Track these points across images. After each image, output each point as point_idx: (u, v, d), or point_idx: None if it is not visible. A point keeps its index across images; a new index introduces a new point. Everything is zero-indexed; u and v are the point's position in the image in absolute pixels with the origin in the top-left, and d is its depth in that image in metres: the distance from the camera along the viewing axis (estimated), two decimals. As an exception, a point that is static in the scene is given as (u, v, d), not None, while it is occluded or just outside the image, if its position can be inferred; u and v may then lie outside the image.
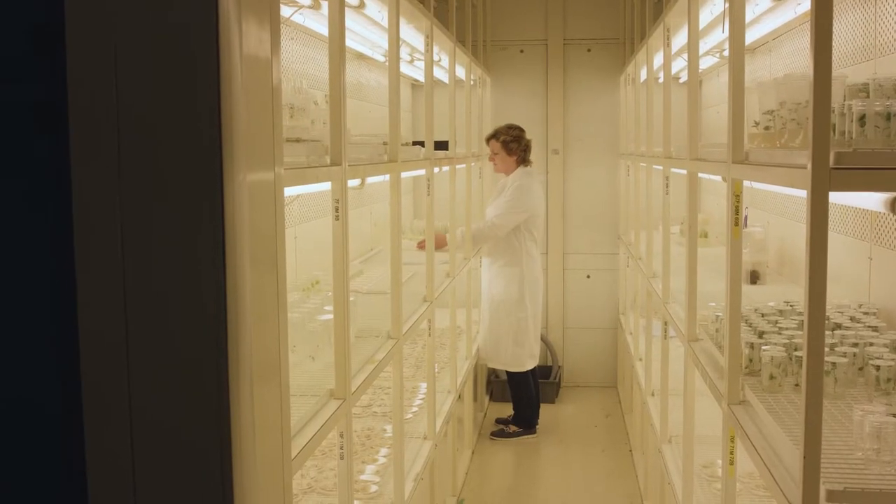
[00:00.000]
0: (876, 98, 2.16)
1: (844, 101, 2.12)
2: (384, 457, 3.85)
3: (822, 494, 1.79)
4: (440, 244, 5.56)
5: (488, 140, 6.27)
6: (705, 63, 6.09)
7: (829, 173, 1.74)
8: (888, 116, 1.93)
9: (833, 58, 3.75)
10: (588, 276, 7.66)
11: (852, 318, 2.94)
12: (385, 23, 3.87)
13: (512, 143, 6.19)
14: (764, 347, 2.58)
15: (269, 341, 1.63)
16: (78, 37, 1.45)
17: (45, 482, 1.55)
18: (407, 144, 4.09)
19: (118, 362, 1.48)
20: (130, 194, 1.45)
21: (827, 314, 2.92)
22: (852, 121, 1.96)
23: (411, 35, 4.75)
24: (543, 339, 7.14)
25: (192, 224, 1.45)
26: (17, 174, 1.48)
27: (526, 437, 6.36)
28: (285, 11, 3.79)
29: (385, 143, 3.53)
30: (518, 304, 6.18)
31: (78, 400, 1.49)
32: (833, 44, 3.73)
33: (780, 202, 4.82)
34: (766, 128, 2.51)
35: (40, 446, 1.54)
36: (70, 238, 1.47)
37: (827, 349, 2.48)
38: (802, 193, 1.82)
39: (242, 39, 1.47)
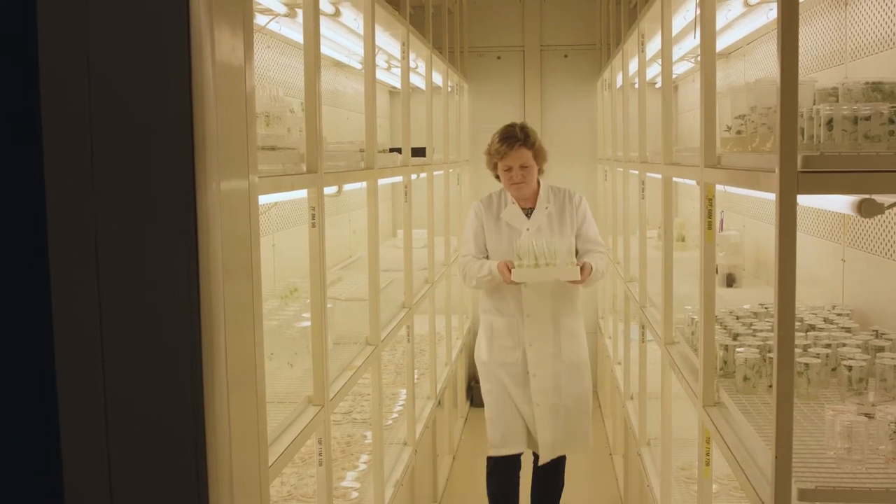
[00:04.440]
0: (844, 102, 2.20)
1: (814, 105, 2.15)
2: (364, 463, 3.85)
3: (794, 493, 1.81)
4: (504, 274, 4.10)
5: (510, 147, 4.23)
6: (681, 68, 6.14)
7: (797, 177, 1.77)
8: (855, 120, 1.96)
9: (804, 63, 3.79)
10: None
11: (826, 320, 2.97)
12: (361, 30, 3.88)
13: (543, 149, 4.38)
14: (738, 349, 2.60)
15: (245, 349, 1.63)
16: (50, 46, 1.45)
17: (22, 496, 1.55)
18: (384, 151, 4.10)
19: (93, 371, 1.48)
20: (104, 204, 1.45)
21: (801, 316, 2.97)
22: (820, 125, 1.98)
23: (388, 42, 4.76)
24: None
25: (166, 232, 1.45)
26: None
27: None
28: (261, 20, 3.79)
29: (362, 151, 3.54)
30: (589, 363, 4.49)
31: (54, 411, 1.49)
32: (804, 49, 3.77)
33: (755, 205, 4.86)
34: (738, 132, 2.53)
35: (15, 460, 1.53)
36: (45, 247, 1.47)
37: (800, 350, 2.51)
38: (772, 196, 1.84)
39: (215, 47, 1.48)
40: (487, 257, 4.31)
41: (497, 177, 4.35)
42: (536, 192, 4.34)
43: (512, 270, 4.03)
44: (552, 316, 4.28)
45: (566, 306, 4.33)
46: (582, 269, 4.07)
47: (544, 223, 4.28)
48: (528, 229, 4.26)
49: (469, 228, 4.39)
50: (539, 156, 4.29)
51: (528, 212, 4.32)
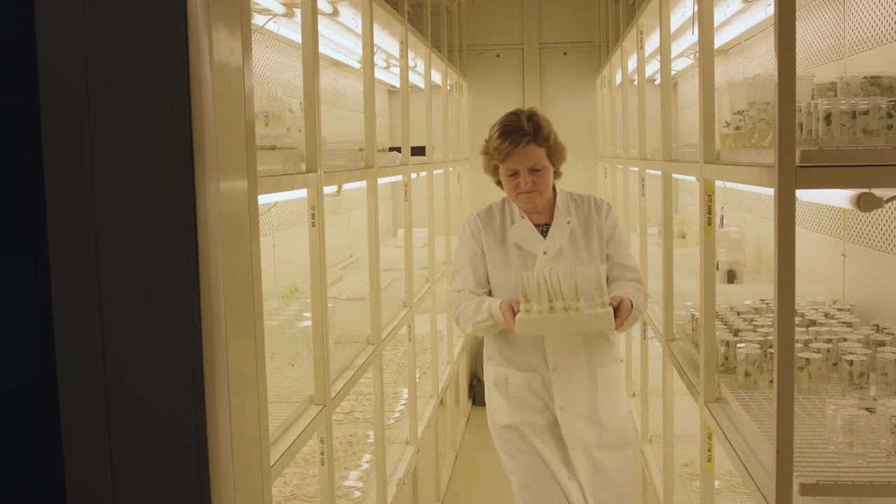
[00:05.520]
0: (843, 97, 2.20)
1: (812, 99, 2.15)
2: (367, 462, 3.85)
3: (796, 488, 1.81)
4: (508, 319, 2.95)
5: (515, 144, 3.06)
6: (681, 64, 6.14)
7: (795, 171, 1.77)
8: (854, 114, 1.96)
9: (803, 58, 3.79)
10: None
11: (826, 315, 2.97)
12: (359, 29, 3.89)
13: (559, 144, 3.20)
14: (739, 345, 2.60)
15: (246, 349, 1.63)
16: (49, 46, 1.45)
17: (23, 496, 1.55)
18: (383, 150, 4.10)
19: (94, 371, 1.48)
20: (104, 204, 1.46)
21: (802, 311, 2.97)
22: (819, 119, 1.98)
23: (386, 41, 4.76)
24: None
25: (165, 232, 1.45)
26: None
27: None
28: (259, 20, 3.79)
29: (361, 150, 3.54)
30: (631, 426, 3.32)
31: (55, 413, 1.49)
32: (802, 44, 3.77)
33: (755, 201, 4.86)
34: (737, 128, 2.54)
35: (15, 461, 1.54)
36: (45, 247, 1.47)
37: (801, 345, 2.51)
38: (772, 192, 1.84)
39: (213, 48, 1.48)
40: (490, 293, 3.18)
41: (498, 183, 3.24)
42: (552, 202, 3.20)
43: (516, 317, 2.88)
44: (587, 367, 3.14)
45: (604, 352, 3.19)
46: (617, 310, 2.90)
47: (566, 244, 3.14)
48: (544, 252, 3.12)
49: (463, 253, 3.21)
50: (555, 153, 3.13)
51: (544, 228, 3.18)
